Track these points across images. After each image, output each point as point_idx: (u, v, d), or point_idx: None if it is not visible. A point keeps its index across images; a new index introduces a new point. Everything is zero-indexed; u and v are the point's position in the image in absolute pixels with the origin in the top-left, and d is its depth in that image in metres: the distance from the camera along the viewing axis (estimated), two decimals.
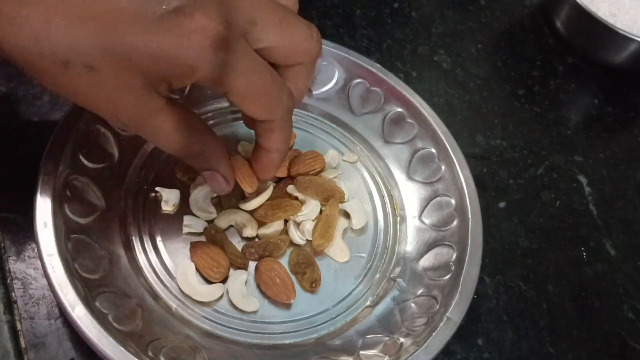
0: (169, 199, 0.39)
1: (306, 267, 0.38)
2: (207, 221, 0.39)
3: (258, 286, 0.37)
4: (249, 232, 0.38)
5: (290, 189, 0.40)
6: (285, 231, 0.40)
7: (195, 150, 0.33)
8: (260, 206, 0.39)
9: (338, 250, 0.39)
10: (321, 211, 0.40)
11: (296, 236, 0.39)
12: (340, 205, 0.41)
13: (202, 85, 0.30)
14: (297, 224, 0.39)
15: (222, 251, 0.37)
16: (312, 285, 0.38)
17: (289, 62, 0.33)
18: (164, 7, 0.27)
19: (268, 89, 0.31)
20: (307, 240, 0.39)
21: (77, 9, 0.27)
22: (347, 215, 0.41)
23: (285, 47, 0.32)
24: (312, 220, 0.40)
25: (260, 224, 0.39)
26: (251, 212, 0.39)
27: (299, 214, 0.39)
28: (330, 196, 0.40)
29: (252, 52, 0.30)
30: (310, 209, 0.40)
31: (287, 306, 0.37)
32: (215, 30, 0.28)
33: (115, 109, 0.30)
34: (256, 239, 0.39)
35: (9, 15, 0.26)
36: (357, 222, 0.40)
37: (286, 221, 0.40)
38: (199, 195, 0.39)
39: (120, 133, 0.39)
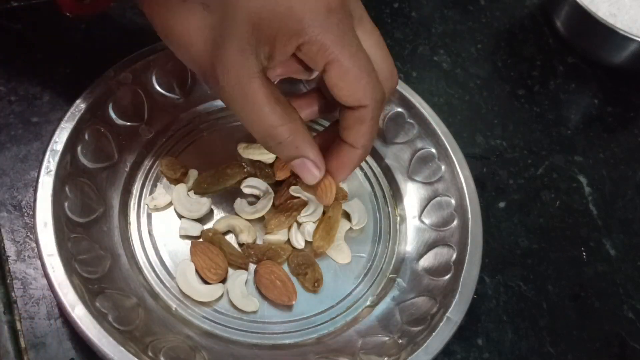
0: (157, 198, 0.38)
1: (307, 268, 0.38)
2: (202, 223, 0.39)
3: (258, 290, 0.37)
4: (245, 237, 0.38)
5: (294, 189, 0.40)
6: (287, 241, 0.39)
7: (283, 133, 0.31)
8: (270, 218, 0.39)
9: (339, 252, 0.39)
10: (324, 212, 0.40)
11: (295, 239, 0.39)
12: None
13: (304, 54, 0.30)
14: (299, 225, 0.39)
15: (221, 252, 0.37)
16: (315, 285, 0.38)
17: (349, 103, 0.32)
18: None
19: (368, 69, 0.30)
20: (306, 241, 0.39)
21: None
22: (347, 215, 0.41)
23: (377, 61, 0.32)
24: (314, 222, 0.39)
25: (268, 230, 0.39)
26: (262, 221, 0.39)
27: (302, 214, 0.39)
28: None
29: (356, 35, 0.30)
30: (313, 209, 0.39)
31: (288, 307, 0.37)
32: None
33: (214, 60, 0.30)
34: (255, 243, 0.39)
35: None
36: (357, 222, 0.40)
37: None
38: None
39: (121, 133, 0.39)
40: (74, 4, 0.39)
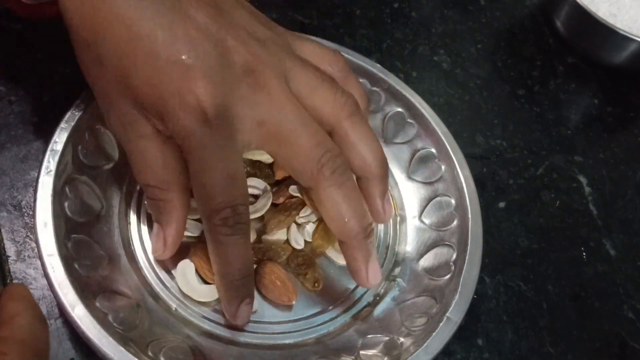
0: None
1: (307, 268, 0.38)
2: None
3: (259, 290, 0.37)
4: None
5: (293, 189, 0.40)
6: (286, 241, 0.39)
7: (157, 194, 0.32)
8: (269, 217, 0.39)
9: (339, 252, 0.39)
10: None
11: (294, 239, 0.39)
12: None
13: (175, 140, 0.30)
14: (298, 225, 0.39)
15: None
16: (315, 285, 0.37)
17: (299, 181, 0.33)
18: (184, 57, 0.28)
19: (216, 190, 0.30)
20: (306, 242, 0.39)
21: (116, 6, 0.28)
22: None
23: (288, 161, 0.32)
24: (313, 223, 0.39)
25: (268, 230, 0.39)
26: (261, 221, 0.39)
27: (301, 214, 0.39)
28: None
29: (233, 150, 0.30)
30: (312, 209, 0.39)
31: (289, 307, 0.37)
32: (205, 106, 0.28)
33: (107, 109, 0.31)
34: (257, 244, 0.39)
35: None
36: None
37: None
38: None
39: None
40: (27, 7, 0.39)
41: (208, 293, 0.36)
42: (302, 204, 0.39)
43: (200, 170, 0.30)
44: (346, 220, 0.33)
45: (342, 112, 0.33)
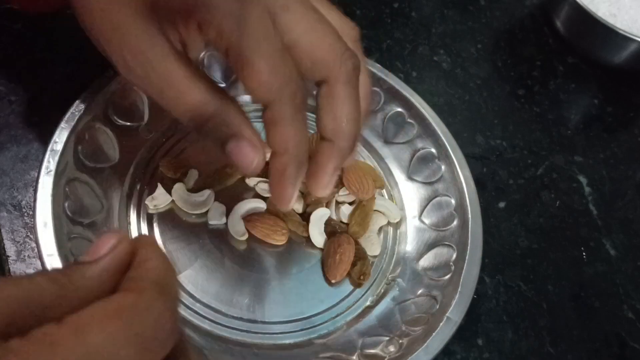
0: (157, 198, 0.38)
1: (358, 260, 0.38)
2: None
3: (322, 257, 0.39)
4: (297, 206, 0.40)
5: None
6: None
7: (211, 110, 0.29)
8: (307, 193, 0.40)
9: (370, 244, 0.40)
10: (360, 200, 0.41)
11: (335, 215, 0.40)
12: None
13: (205, 36, 0.27)
14: (337, 204, 0.41)
15: (277, 217, 0.39)
16: (361, 277, 0.38)
17: (314, 76, 0.30)
18: None
19: (273, 61, 0.27)
20: (342, 222, 0.40)
21: None
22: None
23: (310, 49, 0.29)
24: (349, 204, 0.40)
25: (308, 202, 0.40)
26: (300, 198, 0.40)
27: (340, 193, 0.40)
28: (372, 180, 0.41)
29: (268, 20, 0.28)
30: (349, 190, 0.41)
31: (329, 283, 0.38)
32: None
33: (121, 45, 0.28)
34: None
35: None
36: (393, 216, 0.41)
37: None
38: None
39: (121, 133, 0.39)
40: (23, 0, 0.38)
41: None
42: (341, 183, 0.40)
43: (252, 47, 0.27)
44: (345, 121, 0.30)
45: (345, 56, 0.31)
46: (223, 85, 0.43)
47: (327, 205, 0.40)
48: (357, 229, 0.39)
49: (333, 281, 0.38)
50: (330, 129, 0.31)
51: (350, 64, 0.30)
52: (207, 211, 0.39)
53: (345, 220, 0.40)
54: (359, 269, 0.38)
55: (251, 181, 0.40)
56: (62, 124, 0.36)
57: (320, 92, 0.31)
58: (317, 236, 0.39)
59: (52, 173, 0.35)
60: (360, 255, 0.39)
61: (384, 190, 0.43)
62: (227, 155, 0.30)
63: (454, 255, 0.38)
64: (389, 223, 0.41)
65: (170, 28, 0.28)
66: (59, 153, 0.35)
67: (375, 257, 0.40)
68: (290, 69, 0.29)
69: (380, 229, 0.41)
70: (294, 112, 0.29)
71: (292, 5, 0.29)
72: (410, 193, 0.43)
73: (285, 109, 0.28)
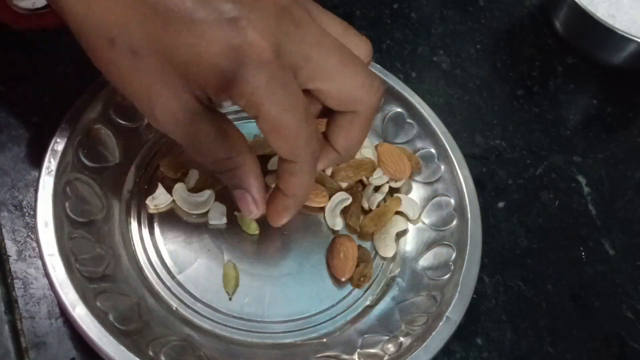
0: (158, 197, 0.38)
1: (361, 262, 0.39)
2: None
3: (326, 255, 0.39)
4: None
5: (367, 152, 0.42)
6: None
7: (229, 164, 0.32)
8: (338, 169, 0.41)
9: (384, 244, 0.40)
10: (385, 200, 0.41)
11: (366, 200, 0.41)
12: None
13: (235, 103, 0.29)
14: (372, 188, 0.41)
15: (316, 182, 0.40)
16: (361, 279, 0.38)
17: (340, 109, 0.32)
18: (219, 14, 0.27)
19: (298, 128, 0.29)
20: (370, 209, 0.41)
21: None
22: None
23: (337, 93, 0.31)
24: (380, 193, 0.41)
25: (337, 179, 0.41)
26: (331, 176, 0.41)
27: (374, 175, 0.41)
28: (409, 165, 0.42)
29: (294, 86, 0.29)
30: (381, 173, 0.42)
31: (337, 282, 0.38)
32: (262, 51, 0.27)
33: (151, 103, 0.29)
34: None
35: None
36: (413, 213, 0.41)
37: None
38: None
39: (122, 133, 0.39)
40: (17, 16, 0.39)
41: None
42: (372, 166, 0.41)
43: (276, 116, 0.28)
44: (355, 144, 0.34)
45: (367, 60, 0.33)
46: None
47: (355, 191, 0.41)
48: (369, 224, 0.40)
49: (343, 279, 0.38)
50: (340, 145, 0.33)
51: (376, 99, 0.32)
52: (207, 211, 0.39)
53: (373, 207, 0.41)
54: (361, 270, 0.38)
55: None
56: (63, 124, 0.36)
57: (344, 115, 0.32)
58: (331, 218, 0.40)
59: (53, 173, 0.35)
60: (363, 257, 0.39)
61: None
62: (234, 196, 0.33)
63: (454, 255, 0.39)
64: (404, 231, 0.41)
65: (200, 91, 0.29)
66: (59, 153, 0.35)
67: (385, 259, 0.40)
68: (314, 128, 0.30)
69: (398, 234, 0.41)
70: (311, 167, 0.31)
71: (314, 54, 0.29)
72: (410, 193, 0.43)
73: (304, 166, 0.31)
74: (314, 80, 0.30)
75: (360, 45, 0.32)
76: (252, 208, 0.33)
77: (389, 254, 0.40)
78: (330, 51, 0.30)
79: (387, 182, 0.42)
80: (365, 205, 0.41)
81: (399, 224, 0.41)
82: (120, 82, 0.30)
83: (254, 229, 0.39)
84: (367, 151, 0.42)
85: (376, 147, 0.43)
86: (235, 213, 0.39)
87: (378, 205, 0.41)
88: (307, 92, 0.31)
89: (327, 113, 0.33)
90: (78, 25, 0.28)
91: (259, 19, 0.27)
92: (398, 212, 0.41)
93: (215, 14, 0.27)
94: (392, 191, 0.42)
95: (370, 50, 0.33)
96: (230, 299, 0.36)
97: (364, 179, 0.42)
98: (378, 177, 0.41)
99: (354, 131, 0.33)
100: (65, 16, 0.29)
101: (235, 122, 0.32)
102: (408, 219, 0.41)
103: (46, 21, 0.38)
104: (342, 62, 0.30)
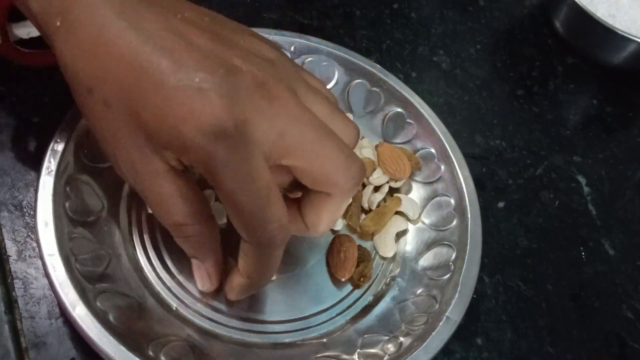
0: None
1: (361, 262, 0.39)
2: None
3: (326, 255, 0.39)
4: None
5: (367, 152, 0.42)
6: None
7: (186, 231, 0.31)
8: None
9: (384, 245, 0.40)
10: (385, 200, 0.41)
11: (367, 201, 0.41)
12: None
13: (198, 169, 0.29)
14: (372, 188, 0.41)
15: None
16: (360, 279, 0.38)
17: (314, 188, 0.31)
18: (190, 82, 0.27)
19: (253, 209, 0.28)
20: (370, 209, 0.41)
21: (114, 47, 0.28)
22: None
23: (311, 172, 0.30)
24: (380, 193, 0.41)
25: None
26: None
27: (374, 175, 0.41)
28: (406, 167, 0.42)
29: (256, 164, 0.28)
30: (381, 173, 0.41)
31: (337, 282, 0.38)
32: (223, 123, 0.27)
33: (116, 154, 0.30)
34: None
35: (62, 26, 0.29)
36: (413, 213, 0.41)
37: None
38: None
39: None
40: (18, 53, 0.39)
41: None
42: (372, 166, 0.41)
43: (233, 192, 0.28)
44: (326, 223, 0.32)
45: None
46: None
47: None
48: (369, 224, 0.40)
49: (343, 279, 0.38)
50: (310, 221, 0.32)
51: (351, 185, 0.30)
52: None
53: (373, 207, 0.41)
54: (361, 270, 0.38)
55: None
56: (63, 124, 0.36)
57: (317, 194, 0.31)
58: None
59: (53, 173, 0.35)
60: (364, 257, 0.39)
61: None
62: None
63: (454, 255, 0.39)
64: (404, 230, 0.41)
65: (165, 152, 0.29)
66: (59, 153, 0.35)
67: (385, 259, 0.40)
68: (276, 212, 0.29)
69: (398, 234, 0.41)
70: (267, 252, 0.31)
71: (288, 129, 0.28)
72: (410, 193, 0.43)
73: (257, 249, 0.30)
74: (287, 156, 0.29)
75: (344, 130, 0.31)
76: (205, 281, 0.35)
77: (389, 254, 0.40)
78: (307, 128, 0.29)
79: (387, 182, 0.42)
80: (365, 205, 0.41)
81: (399, 224, 0.41)
82: (92, 126, 0.30)
83: None
84: (366, 151, 0.42)
85: (376, 147, 0.43)
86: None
87: (378, 205, 0.41)
88: (285, 167, 0.30)
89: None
90: (64, 67, 0.29)
91: (229, 92, 0.27)
92: (398, 212, 0.41)
93: (186, 81, 0.27)
94: (392, 191, 0.42)
95: (356, 136, 0.32)
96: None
97: (368, 182, 0.42)
98: (378, 177, 0.41)
99: (325, 211, 0.31)
100: (56, 56, 0.30)
101: None
102: (408, 219, 0.41)
103: (48, 60, 0.39)
104: (319, 141, 0.29)
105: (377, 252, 0.40)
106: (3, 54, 0.39)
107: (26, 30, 0.38)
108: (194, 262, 0.34)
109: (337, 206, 0.31)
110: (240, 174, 0.28)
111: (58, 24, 0.29)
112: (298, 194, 0.33)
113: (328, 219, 0.32)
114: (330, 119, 0.30)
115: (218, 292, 0.35)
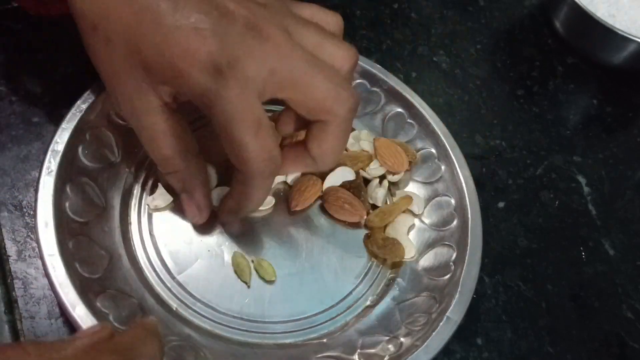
0: (157, 198, 0.38)
1: (358, 195, 0.40)
2: None
3: (331, 214, 0.40)
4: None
5: (365, 144, 0.42)
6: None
7: (175, 164, 0.34)
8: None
9: (405, 247, 0.40)
10: (392, 194, 0.42)
11: (374, 196, 0.41)
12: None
13: (194, 102, 0.31)
14: (376, 182, 0.42)
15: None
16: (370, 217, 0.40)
17: (310, 118, 0.33)
18: (186, 22, 0.29)
19: (243, 140, 0.30)
20: (373, 206, 0.41)
21: None
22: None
23: (304, 102, 0.32)
24: (383, 188, 0.41)
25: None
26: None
27: (371, 166, 0.42)
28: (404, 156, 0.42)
29: (246, 97, 0.30)
30: (378, 164, 0.42)
31: (356, 224, 0.40)
32: (215, 59, 0.29)
33: (116, 90, 0.32)
34: None
35: None
36: (418, 208, 0.41)
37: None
38: None
39: (122, 133, 0.39)
40: (37, 4, 0.40)
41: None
42: (369, 158, 0.42)
43: (225, 122, 0.30)
44: (331, 153, 0.34)
45: (348, 64, 0.34)
46: None
47: (356, 184, 0.41)
48: (374, 219, 0.40)
49: (362, 220, 0.40)
50: (315, 153, 0.34)
51: (346, 108, 0.32)
52: None
53: (378, 203, 0.41)
54: (389, 264, 0.39)
55: None
56: (63, 124, 0.36)
57: (316, 124, 0.33)
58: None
59: (53, 173, 0.35)
60: (356, 192, 0.40)
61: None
62: (180, 200, 0.37)
63: (454, 255, 0.39)
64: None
65: (162, 86, 0.31)
66: (60, 153, 0.35)
67: (412, 257, 0.40)
68: (267, 144, 0.31)
69: (409, 229, 0.41)
70: (258, 182, 0.33)
71: (278, 66, 0.31)
72: (407, 188, 0.43)
73: (247, 181, 0.33)
74: (281, 90, 0.31)
75: (335, 55, 0.33)
76: (195, 213, 0.36)
77: (412, 253, 0.40)
78: (297, 63, 0.31)
79: (385, 177, 0.42)
80: (371, 201, 0.41)
81: (406, 220, 0.41)
82: (96, 65, 0.32)
83: (271, 274, 0.38)
84: (364, 143, 0.42)
85: (373, 141, 0.43)
86: (251, 260, 0.38)
87: (386, 203, 0.41)
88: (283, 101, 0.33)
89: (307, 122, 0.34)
90: (73, 7, 0.31)
91: (222, 33, 0.30)
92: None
93: (183, 20, 0.29)
94: (391, 186, 0.42)
95: (350, 58, 0.34)
96: (248, 287, 0.37)
97: (366, 174, 0.42)
98: (375, 168, 0.42)
99: (327, 140, 0.33)
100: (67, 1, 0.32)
101: None
102: (413, 214, 0.41)
103: (53, 10, 0.41)
104: (308, 73, 0.31)
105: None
106: (21, 4, 0.41)
107: None
108: (183, 196, 0.36)
109: (336, 134, 0.33)
110: (232, 106, 0.30)
111: None
112: (303, 133, 0.35)
113: (331, 148, 0.34)
114: (319, 49, 0.32)
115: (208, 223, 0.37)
